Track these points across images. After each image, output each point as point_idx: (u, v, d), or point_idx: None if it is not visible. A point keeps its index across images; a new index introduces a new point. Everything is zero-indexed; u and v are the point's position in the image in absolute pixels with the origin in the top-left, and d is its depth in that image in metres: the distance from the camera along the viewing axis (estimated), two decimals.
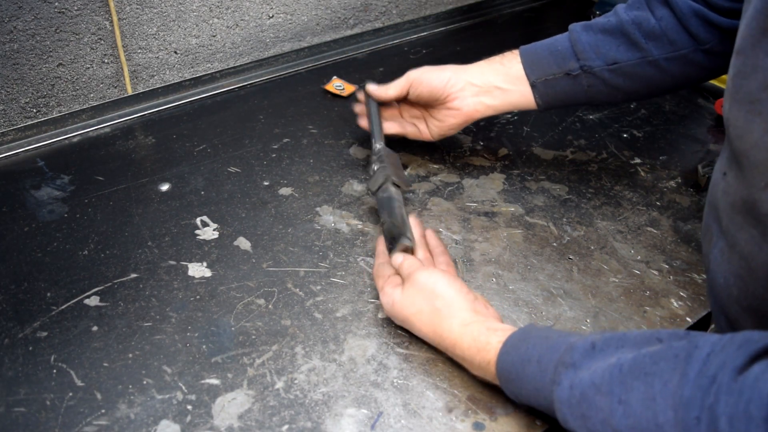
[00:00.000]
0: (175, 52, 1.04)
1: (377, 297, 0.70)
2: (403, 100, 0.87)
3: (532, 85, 0.79)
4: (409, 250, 0.69)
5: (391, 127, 0.87)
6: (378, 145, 0.83)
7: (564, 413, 0.50)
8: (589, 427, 0.49)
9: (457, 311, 0.61)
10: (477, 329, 0.59)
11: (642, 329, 0.52)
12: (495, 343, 0.57)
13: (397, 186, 0.77)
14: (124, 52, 0.98)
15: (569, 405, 0.50)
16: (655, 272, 0.74)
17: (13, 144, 0.91)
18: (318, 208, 0.81)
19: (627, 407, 0.46)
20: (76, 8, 0.91)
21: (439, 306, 0.61)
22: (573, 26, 0.80)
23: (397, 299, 0.64)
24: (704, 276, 0.73)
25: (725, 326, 0.61)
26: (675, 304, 0.70)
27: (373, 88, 0.85)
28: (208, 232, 0.78)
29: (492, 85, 0.81)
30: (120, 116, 0.97)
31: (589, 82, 0.78)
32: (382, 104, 0.88)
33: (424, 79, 0.81)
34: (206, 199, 0.83)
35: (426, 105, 0.85)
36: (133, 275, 0.72)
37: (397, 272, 0.67)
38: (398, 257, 0.68)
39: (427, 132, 0.86)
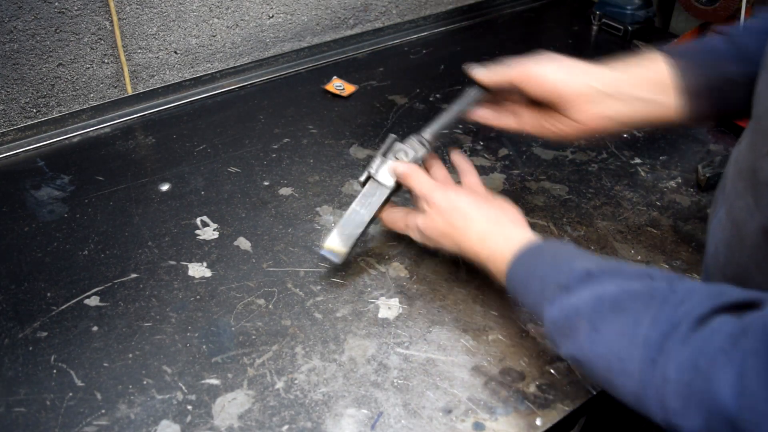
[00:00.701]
0: (175, 52, 1.04)
1: (377, 297, 0.70)
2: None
3: (685, 93, 0.63)
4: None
5: (484, 114, 0.73)
6: (425, 135, 0.73)
7: (549, 330, 0.54)
8: (567, 346, 0.52)
9: (474, 224, 0.64)
10: (493, 241, 0.62)
11: (641, 266, 0.54)
12: (508, 256, 0.60)
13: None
14: (124, 52, 0.98)
15: (554, 325, 0.53)
16: None
17: (13, 144, 0.91)
18: (318, 208, 0.81)
19: (599, 336, 0.48)
20: (76, 8, 0.91)
21: (458, 224, 0.64)
22: (722, 28, 0.65)
23: (422, 226, 0.68)
24: None
25: None
26: None
27: (474, 69, 0.70)
28: (208, 232, 0.78)
29: (626, 93, 0.64)
30: (120, 116, 0.97)
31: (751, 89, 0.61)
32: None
33: (534, 75, 0.66)
34: (206, 199, 0.83)
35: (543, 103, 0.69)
36: (133, 275, 0.72)
37: (412, 198, 0.70)
38: (400, 165, 0.70)
39: (531, 125, 0.70)
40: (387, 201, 0.72)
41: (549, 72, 0.66)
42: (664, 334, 0.44)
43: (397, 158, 0.72)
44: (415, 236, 0.70)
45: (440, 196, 0.67)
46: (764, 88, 0.52)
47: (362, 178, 0.72)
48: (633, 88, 0.64)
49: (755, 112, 0.54)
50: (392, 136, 0.73)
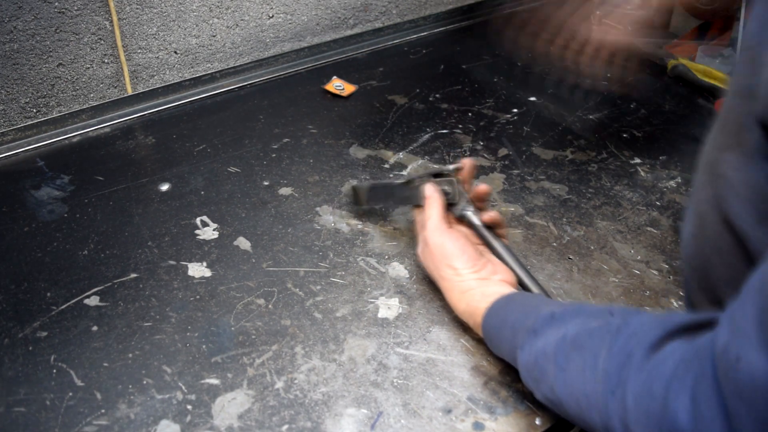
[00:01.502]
0: (175, 52, 1.05)
1: (377, 297, 0.70)
2: None
3: None
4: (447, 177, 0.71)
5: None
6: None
7: (523, 375, 0.55)
8: (540, 389, 0.53)
9: (461, 278, 0.64)
10: (472, 296, 0.63)
11: (601, 304, 0.57)
12: (483, 309, 0.61)
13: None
14: (124, 52, 0.99)
15: (527, 369, 0.54)
16: (655, 272, 0.74)
17: (13, 144, 0.91)
18: (318, 208, 0.81)
19: (566, 375, 0.50)
20: (76, 8, 0.92)
21: (446, 275, 0.65)
22: None
23: (420, 251, 0.69)
24: None
25: (684, 290, 0.64)
26: (675, 304, 0.70)
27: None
28: (208, 232, 0.78)
29: None
30: (120, 116, 0.97)
31: None
32: None
33: None
34: (206, 199, 0.83)
35: None
36: (133, 275, 0.72)
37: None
38: (429, 188, 0.71)
39: None
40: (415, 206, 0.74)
41: None
42: (620, 365, 0.45)
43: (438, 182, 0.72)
44: (418, 249, 0.70)
45: (437, 238, 0.67)
46: (729, 84, 0.54)
47: (407, 178, 0.74)
48: None
49: (720, 110, 0.56)
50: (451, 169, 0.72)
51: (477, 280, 0.64)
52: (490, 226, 0.69)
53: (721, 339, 0.40)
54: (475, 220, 0.69)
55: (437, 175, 0.72)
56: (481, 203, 0.71)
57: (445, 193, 0.71)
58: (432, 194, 0.70)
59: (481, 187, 0.70)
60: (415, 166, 0.89)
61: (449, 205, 0.71)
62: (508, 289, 0.63)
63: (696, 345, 0.42)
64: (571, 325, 0.52)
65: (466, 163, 0.71)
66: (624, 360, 0.45)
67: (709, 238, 0.56)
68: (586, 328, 0.50)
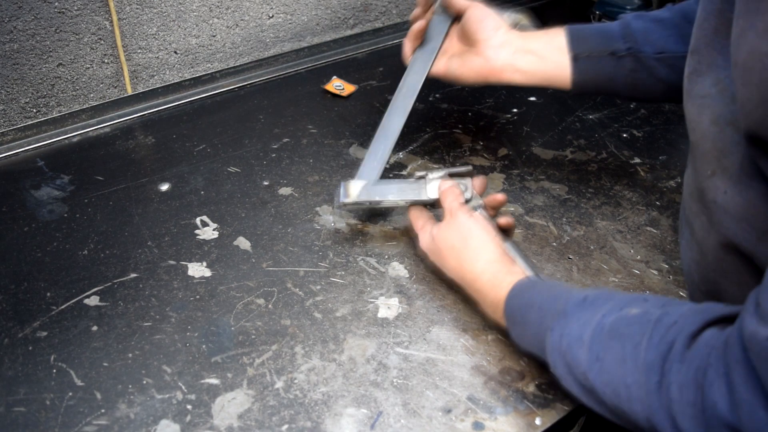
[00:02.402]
0: (175, 52, 1.05)
1: (377, 297, 0.70)
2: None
3: (574, 58, 0.75)
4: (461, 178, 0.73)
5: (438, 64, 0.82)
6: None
7: (554, 359, 0.54)
8: (572, 374, 0.52)
9: (485, 251, 0.64)
10: (498, 268, 0.62)
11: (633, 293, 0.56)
12: (507, 284, 0.60)
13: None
14: (124, 52, 0.99)
15: (558, 352, 0.53)
16: (655, 272, 0.74)
17: (13, 144, 0.91)
18: (318, 208, 0.81)
19: (603, 365, 0.49)
20: (76, 8, 0.92)
21: (471, 245, 0.65)
22: (624, 15, 0.78)
23: (436, 233, 0.68)
24: None
25: None
26: None
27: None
28: (208, 232, 0.78)
29: (530, 48, 0.76)
30: (120, 116, 0.97)
31: (632, 67, 0.74)
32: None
33: (477, 10, 0.78)
34: (206, 199, 0.83)
35: (462, 42, 0.81)
36: (133, 275, 0.72)
37: (439, 205, 0.71)
38: (446, 184, 0.72)
39: (446, 68, 0.81)
40: (416, 204, 0.74)
41: (487, 13, 0.78)
42: (662, 356, 0.45)
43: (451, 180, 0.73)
44: (423, 241, 0.70)
45: (464, 216, 0.67)
46: (695, 116, 0.57)
47: (418, 174, 0.74)
48: (535, 44, 0.77)
49: (692, 139, 0.58)
50: (468, 168, 0.74)
51: (501, 258, 0.63)
52: (504, 230, 0.70)
53: (748, 324, 0.41)
54: (489, 219, 0.69)
55: (452, 175, 0.73)
56: (493, 211, 0.71)
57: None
58: (451, 186, 0.71)
59: (499, 196, 0.71)
60: (414, 165, 0.89)
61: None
62: (530, 274, 0.63)
63: (725, 333, 0.43)
64: (607, 310, 0.51)
65: (478, 181, 0.73)
66: (665, 350, 0.45)
67: (711, 264, 0.57)
68: (625, 316, 0.50)
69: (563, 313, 0.54)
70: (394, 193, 0.73)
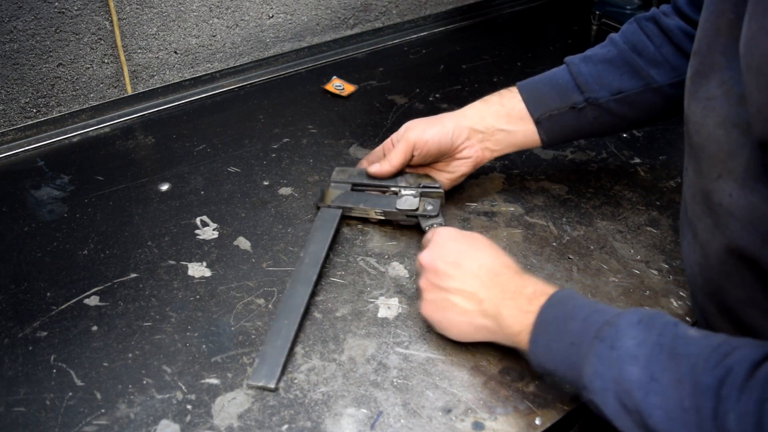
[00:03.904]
0: (175, 52, 1.05)
1: (377, 297, 0.70)
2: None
3: (537, 122, 0.76)
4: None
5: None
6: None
7: (598, 370, 0.49)
8: (617, 390, 0.48)
9: (512, 271, 0.61)
10: (528, 285, 0.58)
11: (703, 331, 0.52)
12: (543, 297, 0.56)
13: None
14: (124, 52, 0.99)
15: (607, 365, 0.49)
16: (655, 272, 0.74)
17: (13, 144, 0.91)
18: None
19: (657, 385, 0.46)
20: (76, 8, 0.92)
21: (496, 269, 0.61)
22: (570, 59, 0.77)
23: (428, 260, 0.63)
24: None
25: (699, 316, 0.64)
26: (675, 303, 0.70)
27: (374, 168, 0.77)
28: (208, 232, 0.78)
29: (494, 127, 0.76)
30: (120, 116, 0.97)
31: (595, 114, 0.75)
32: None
33: (428, 137, 0.74)
34: (206, 199, 0.83)
35: (431, 162, 0.78)
36: (133, 275, 0.72)
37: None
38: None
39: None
40: (387, 214, 0.77)
41: (437, 129, 0.75)
42: (719, 380, 0.43)
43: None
44: (425, 304, 0.64)
45: (442, 235, 0.64)
46: (699, 118, 0.56)
47: (392, 188, 0.77)
48: (497, 121, 0.76)
49: (695, 142, 0.58)
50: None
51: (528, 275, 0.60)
52: None
53: None
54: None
55: (424, 194, 0.76)
56: None
57: (426, 213, 0.75)
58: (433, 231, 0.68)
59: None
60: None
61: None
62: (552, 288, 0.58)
63: None
64: (661, 327, 0.49)
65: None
66: (723, 374, 0.43)
67: (715, 266, 0.56)
68: (683, 335, 0.47)
69: (615, 325, 0.50)
70: (366, 202, 0.77)
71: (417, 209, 0.75)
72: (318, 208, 0.78)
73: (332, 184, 0.80)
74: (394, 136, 0.78)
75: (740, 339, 0.46)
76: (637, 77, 0.74)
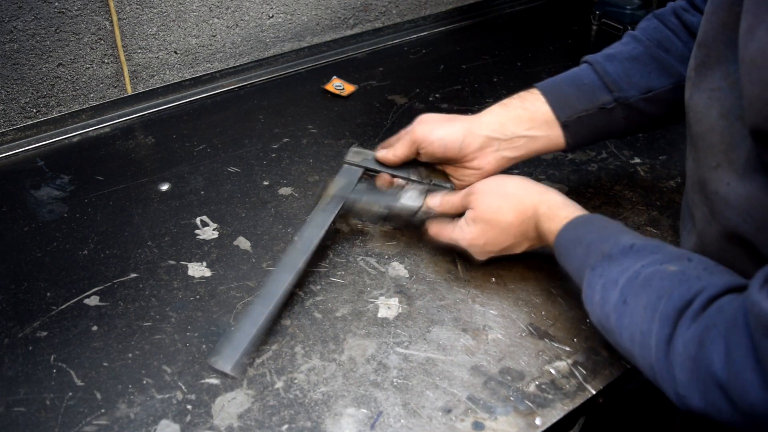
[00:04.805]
0: (175, 52, 1.05)
1: (377, 297, 0.70)
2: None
3: (564, 125, 0.72)
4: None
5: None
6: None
7: (586, 295, 0.57)
8: (599, 312, 0.56)
9: (529, 187, 0.67)
10: (553, 199, 0.65)
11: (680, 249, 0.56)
12: (562, 217, 0.63)
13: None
14: (124, 52, 0.99)
15: (592, 290, 0.56)
16: None
17: (13, 144, 0.91)
18: None
19: (627, 308, 0.52)
20: (76, 8, 0.92)
21: (511, 191, 0.67)
22: (591, 58, 0.74)
23: (471, 215, 0.68)
24: None
25: None
26: None
27: (380, 153, 0.76)
28: (208, 232, 0.78)
29: (515, 135, 0.72)
30: (120, 116, 0.97)
31: (624, 114, 0.72)
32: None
33: (435, 138, 0.71)
34: (206, 198, 0.83)
35: (438, 163, 0.76)
36: (133, 275, 0.72)
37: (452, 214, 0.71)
38: (435, 197, 0.72)
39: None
40: (392, 210, 0.74)
41: (446, 130, 0.71)
42: (678, 311, 0.47)
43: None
44: (464, 234, 0.68)
45: (482, 181, 0.70)
46: (702, 108, 0.57)
47: (399, 182, 0.76)
48: (518, 128, 0.72)
49: (696, 131, 0.59)
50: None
51: (544, 187, 0.67)
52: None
53: (753, 294, 0.43)
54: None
55: (431, 190, 0.74)
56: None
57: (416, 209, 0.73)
58: (442, 197, 0.72)
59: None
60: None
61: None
62: (576, 206, 0.65)
63: (737, 299, 0.45)
64: (648, 261, 0.53)
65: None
66: (683, 307, 0.47)
67: (712, 254, 0.57)
68: (662, 270, 0.51)
69: (608, 255, 0.56)
70: (369, 196, 0.74)
71: (421, 207, 0.72)
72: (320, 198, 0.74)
73: (345, 165, 0.78)
74: (409, 126, 0.75)
75: (713, 273, 0.50)
76: (666, 74, 0.71)
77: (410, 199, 0.73)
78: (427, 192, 0.74)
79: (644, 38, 0.73)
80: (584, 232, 0.60)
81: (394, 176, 0.76)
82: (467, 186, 0.72)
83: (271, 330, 0.66)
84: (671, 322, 0.47)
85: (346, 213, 0.79)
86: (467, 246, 0.69)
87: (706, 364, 0.44)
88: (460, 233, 0.69)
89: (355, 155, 0.78)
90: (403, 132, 0.75)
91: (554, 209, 0.64)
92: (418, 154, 0.74)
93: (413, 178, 0.76)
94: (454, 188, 0.75)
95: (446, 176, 0.76)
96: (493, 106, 0.74)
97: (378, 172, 0.77)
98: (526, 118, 0.72)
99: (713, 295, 0.47)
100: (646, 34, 0.73)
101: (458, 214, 0.71)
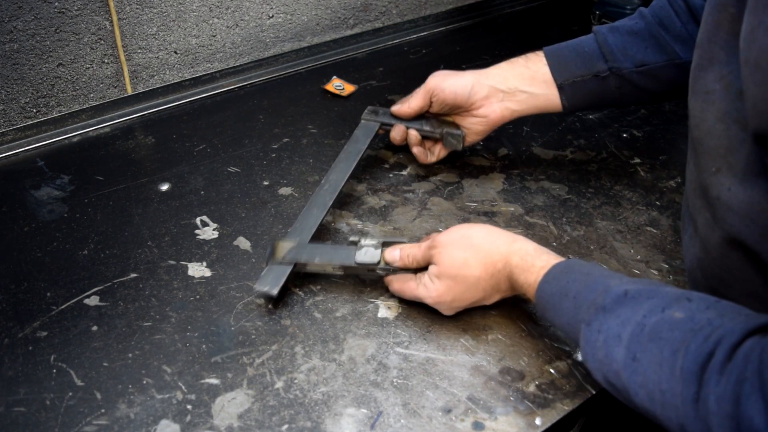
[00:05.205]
0: (175, 52, 1.05)
1: (377, 297, 0.70)
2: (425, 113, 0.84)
3: (560, 87, 0.78)
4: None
5: (418, 153, 0.85)
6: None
7: (587, 352, 0.53)
8: (604, 371, 0.51)
9: (496, 237, 0.64)
10: (524, 248, 0.62)
11: (674, 287, 0.53)
12: (538, 268, 0.59)
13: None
14: (124, 52, 0.99)
15: (593, 347, 0.52)
16: (655, 272, 0.74)
17: (13, 144, 0.91)
18: None
19: (639, 366, 0.48)
20: (76, 8, 0.92)
21: (478, 242, 0.63)
22: (598, 28, 0.79)
23: (441, 270, 0.63)
24: None
25: None
26: None
27: (395, 107, 0.84)
28: (208, 232, 0.78)
29: (517, 89, 0.78)
30: (120, 116, 0.97)
31: (617, 84, 0.77)
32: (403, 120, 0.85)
33: (446, 86, 0.79)
34: (206, 198, 0.83)
35: (449, 113, 0.83)
36: (133, 275, 0.72)
37: (413, 267, 0.66)
38: (395, 251, 0.67)
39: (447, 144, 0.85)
40: (345, 269, 0.69)
41: (457, 80, 0.79)
42: (701, 365, 0.44)
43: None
44: (428, 292, 0.64)
45: (446, 231, 0.65)
46: (698, 112, 0.56)
47: (351, 239, 0.70)
48: (521, 83, 0.78)
49: (695, 135, 0.58)
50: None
51: (514, 236, 0.63)
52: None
53: None
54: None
55: (385, 244, 0.69)
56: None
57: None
58: (402, 247, 0.67)
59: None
60: (415, 166, 0.89)
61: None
62: (551, 253, 0.61)
63: (760, 343, 0.42)
64: (648, 309, 0.49)
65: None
66: (705, 360, 0.44)
67: (715, 260, 0.56)
68: (667, 319, 0.48)
69: (602, 307, 0.52)
70: (321, 255, 0.68)
71: (378, 263, 0.67)
72: (266, 264, 0.69)
73: (362, 121, 0.87)
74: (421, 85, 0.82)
75: (724, 315, 0.46)
76: (661, 51, 0.75)
77: (366, 255, 0.67)
78: (383, 245, 0.68)
79: (649, 15, 0.77)
80: (567, 283, 0.56)
81: (408, 128, 0.84)
82: (475, 135, 0.82)
83: (271, 330, 0.66)
84: (696, 379, 0.43)
85: (345, 214, 0.79)
86: (433, 304, 0.65)
87: (747, 423, 0.40)
88: (425, 291, 0.64)
89: (371, 113, 0.87)
90: (415, 90, 0.83)
91: (527, 259, 0.60)
92: (430, 105, 0.81)
93: (426, 128, 0.83)
94: (464, 135, 0.82)
95: (456, 126, 0.82)
96: (501, 63, 0.81)
97: (393, 125, 0.85)
98: (527, 76, 0.78)
99: (734, 342, 0.43)
100: (652, 11, 0.77)
101: (421, 268, 0.66)
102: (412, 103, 0.82)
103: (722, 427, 0.42)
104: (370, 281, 0.71)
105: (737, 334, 0.43)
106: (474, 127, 0.81)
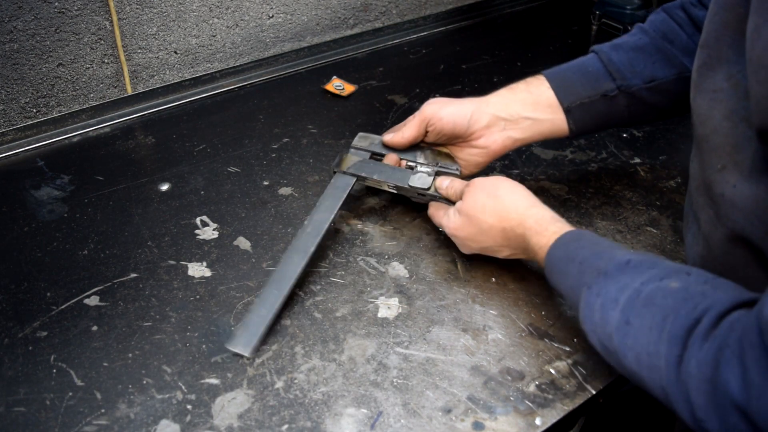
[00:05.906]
0: (175, 52, 1.05)
1: (377, 297, 0.70)
2: (420, 142, 0.79)
3: (567, 111, 0.74)
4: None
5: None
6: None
7: (585, 315, 0.55)
8: (598, 334, 0.53)
9: (520, 197, 0.66)
10: (540, 213, 0.64)
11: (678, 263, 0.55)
12: (551, 233, 0.61)
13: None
14: (124, 52, 0.99)
15: (591, 309, 0.54)
16: None
17: (13, 144, 0.91)
18: None
19: (630, 329, 0.50)
20: (76, 8, 0.92)
21: (502, 194, 0.66)
22: (598, 47, 0.75)
23: (460, 206, 0.68)
24: None
25: None
26: None
27: (388, 137, 0.78)
28: (208, 232, 0.78)
29: (520, 115, 0.74)
30: (120, 116, 0.97)
31: (626, 103, 0.74)
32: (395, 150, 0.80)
33: (444, 114, 0.74)
34: (206, 198, 0.83)
35: (445, 143, 0.78)
36: (133, 275, 0.72)
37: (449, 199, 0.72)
38: (444, 180, 0.73)
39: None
40: (399, 189, 0.76)
41: (455, 108, 0.74)
42: (687, 330, 0.45)
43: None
44: (450, 222, 0.70)
45: (482, 178, 0.69)
46: (705, 110, 0.57)
47: (409, 163, 0.78)
48: (523, 109, 0.74)
49: (700, 133, 0.58)
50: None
51: (536, 200, 0.65)
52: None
53: (766, 310, 0.41)
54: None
55: (440, 173, 0.76)
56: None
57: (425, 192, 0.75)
58: (450, 181, 0.73)
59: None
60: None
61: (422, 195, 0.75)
62: (566, 222, 0.63)
63: (749, 315, 0.43)
64: (647, 277, 0.51)
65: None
66: (691, 325, 0.45)
67: (718, 257, 0.57)
68: (663, 287, 0.49)
69: (604, 272, 0.54)
70: (380, 173, 0.76)
71: (429, 188, 0.74)
72: (334, 173, 0.78)
73: (352, 150, 0.81)
74: (414, 113, 0.78)
75: (718, 288, 0.48)
76: (670, 65, 0.73)
77: (420, 180, 0.75)
78: (437, 174, 0.76)
79: (650, 30, 0.74)
80: (576, 249, 0.58)
81: (401, 159, 0.79)
82: (474, 167, 0.77)
83: (272, 330, 0.66)
84: (680, 342, 0.45)
85: (345, 214, 0.79)
86: (450, 235, 0.71)
87: (722, 387, 0.42)
88: (447, 221, 0.70)
89: (362, 140, 0.82)
90: (409, 118, 0.78)
91: (542, 224, 0.62)
92: (425, 135, 0.76)
93: (420, 161, 0.78)
94: (461, 171, 0.77)
95: (452, 159, 0.78)
96: (500, 90, 0.77)
97: (383, 156, 0.80)
98: (530, 101, 0.74)
99: (722, 311, 0.45)
100: (653, 26, 0.75)
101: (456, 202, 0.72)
102: (405, 133, 0.76)
103: (699, 390, 0.43)
104: (370, 281, 0.71)
105: (725, 304, 0.45)
106: (472, 158, 0.76)
